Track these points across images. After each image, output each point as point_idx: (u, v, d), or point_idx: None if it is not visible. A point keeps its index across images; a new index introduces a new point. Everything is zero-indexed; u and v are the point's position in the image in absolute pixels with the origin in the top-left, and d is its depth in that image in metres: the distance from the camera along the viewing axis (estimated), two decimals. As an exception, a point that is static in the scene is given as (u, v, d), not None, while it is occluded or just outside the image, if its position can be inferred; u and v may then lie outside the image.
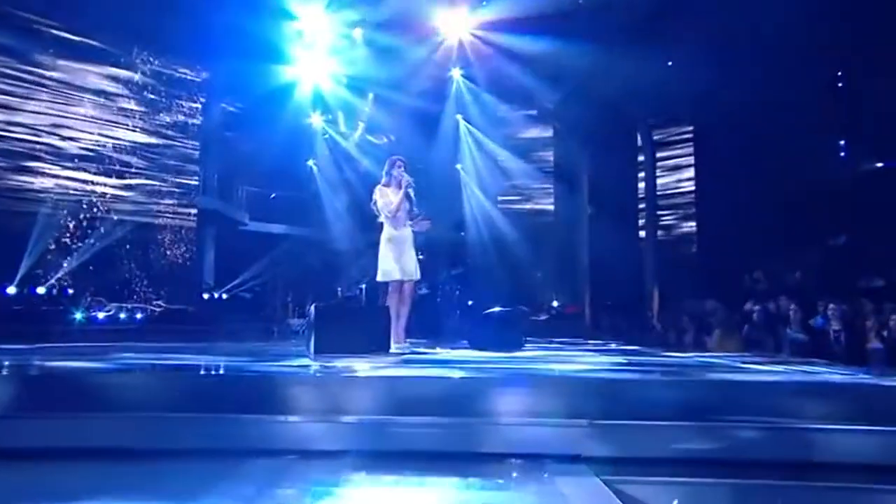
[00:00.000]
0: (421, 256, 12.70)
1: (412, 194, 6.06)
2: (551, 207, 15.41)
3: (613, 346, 8.25)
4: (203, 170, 13.72)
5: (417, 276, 6.17)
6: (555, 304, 14.28)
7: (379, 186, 6.13)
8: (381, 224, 6.10)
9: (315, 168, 15.40)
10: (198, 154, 13.54)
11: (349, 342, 5.31)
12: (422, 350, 6.20)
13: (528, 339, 7.23)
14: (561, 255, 14.43)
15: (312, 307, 5.62)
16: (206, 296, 12.64)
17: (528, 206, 15.53)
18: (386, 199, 6.03)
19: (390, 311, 5.96)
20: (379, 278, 6.16)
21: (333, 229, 14.40)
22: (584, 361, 5.42)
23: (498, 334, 6.39)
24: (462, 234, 14.61)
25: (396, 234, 6.05)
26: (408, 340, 6.18)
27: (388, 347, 5.57)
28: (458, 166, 14.96)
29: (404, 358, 5.42)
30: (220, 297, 12.80)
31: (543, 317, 13.48)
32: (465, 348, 6.46)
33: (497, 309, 6.74)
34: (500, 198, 15.27)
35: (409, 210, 6.09)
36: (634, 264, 13.32)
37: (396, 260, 6.01)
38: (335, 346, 5.26)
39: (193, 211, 13.35)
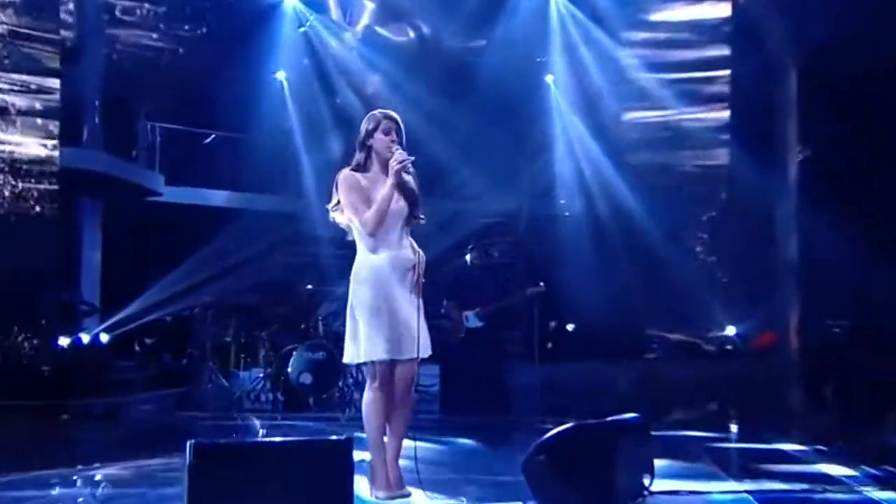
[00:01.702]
0: (468, 256, 11.65)
1: (413, 184, 5.67)
2: (724, 155, 15.00)
3: None
4: (73, 94, 13.41)
5: (427, 350, 5.70)
6: (731, 330, 14.06)
7: (346, 171, 5.75)
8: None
9: (286, 86, 15.54)
10: (61, 66, 13.00)
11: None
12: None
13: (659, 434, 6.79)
14: (744, 244, 14.23)
15: (188, 444, 4.73)
16: (64, 342, 12.21)
17: (679, 155, 15.21)
18: (357, 195, 5.60)
19: (370, 427, 5.54)
20: (346, 358, 5.80)
21: (314, 200, 14.04)
22: None
23: (590, 474, 5.57)
24: (561, 203, 15.29)
25: (381, 264, 5.61)
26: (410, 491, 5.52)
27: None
28: (548, 78, 15.32)
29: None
30: (96, 339, 12.51)
31: (710, 348, 13.91)
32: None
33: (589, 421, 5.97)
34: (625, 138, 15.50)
35: (409, 216, 5.71)
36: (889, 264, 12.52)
37: (382, 319, 5.52)
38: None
39: (53, 169, 12.87)
